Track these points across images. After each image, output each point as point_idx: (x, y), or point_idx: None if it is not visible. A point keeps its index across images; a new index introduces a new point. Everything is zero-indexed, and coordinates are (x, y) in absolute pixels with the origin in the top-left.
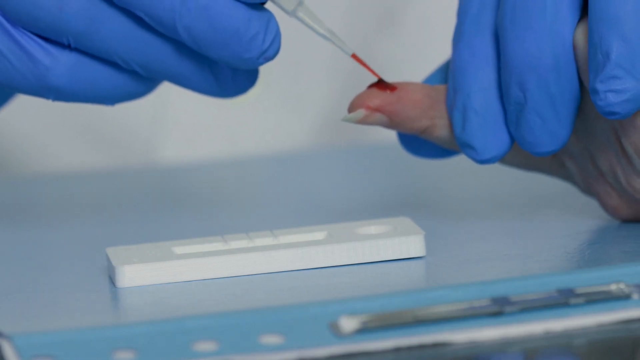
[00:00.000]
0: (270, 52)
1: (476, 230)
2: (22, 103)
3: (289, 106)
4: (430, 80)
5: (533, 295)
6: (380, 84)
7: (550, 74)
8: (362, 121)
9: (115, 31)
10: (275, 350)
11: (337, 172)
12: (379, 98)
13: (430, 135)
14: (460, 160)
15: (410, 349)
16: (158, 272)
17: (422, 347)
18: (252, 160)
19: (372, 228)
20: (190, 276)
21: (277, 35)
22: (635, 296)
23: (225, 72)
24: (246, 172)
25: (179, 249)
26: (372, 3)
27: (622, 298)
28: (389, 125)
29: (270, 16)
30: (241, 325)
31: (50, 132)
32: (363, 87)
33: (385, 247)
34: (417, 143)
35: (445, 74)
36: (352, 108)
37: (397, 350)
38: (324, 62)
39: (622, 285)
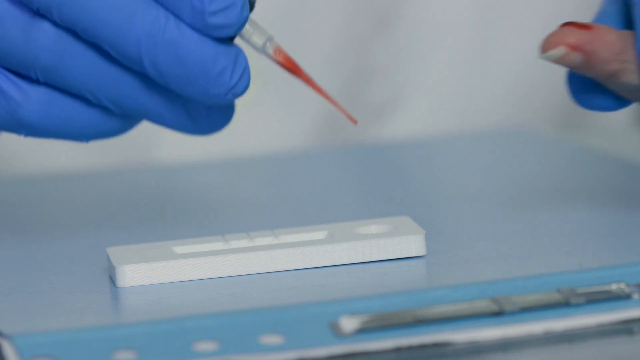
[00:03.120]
0: (238, 88)
1: (476, 230)
2: None
3: (289, 106)
4: (600, 19)
5: (533, 295)
6: (575, 23)
7: None
8: (560, 60)
9: (84, 65)
10: (275, 350)
11: (337, 172)
12: (575, 36)
13: (618, 79)
14: (460, 160)
15: (410, 349)
16: (158, 272)
17: (422, 347)
18: (252, 160)
19: (373, 227)
20: (190, 276)
21: (246, 70)
22: (635, 296)
23: (199, 108)
24: (246, 172)
25: (179, 249)
26: (367, 7)
27: (622, 298)
28: (583, 66)
29: (238, 51)
30: (241, 325)
31: None
32: (362, 86)
33: (385, 247)
34: (590, 95)
35: (618, 15)
36: (548, 45)
37: (397, 350)
38: (323, 61)
39: (622, 285)
